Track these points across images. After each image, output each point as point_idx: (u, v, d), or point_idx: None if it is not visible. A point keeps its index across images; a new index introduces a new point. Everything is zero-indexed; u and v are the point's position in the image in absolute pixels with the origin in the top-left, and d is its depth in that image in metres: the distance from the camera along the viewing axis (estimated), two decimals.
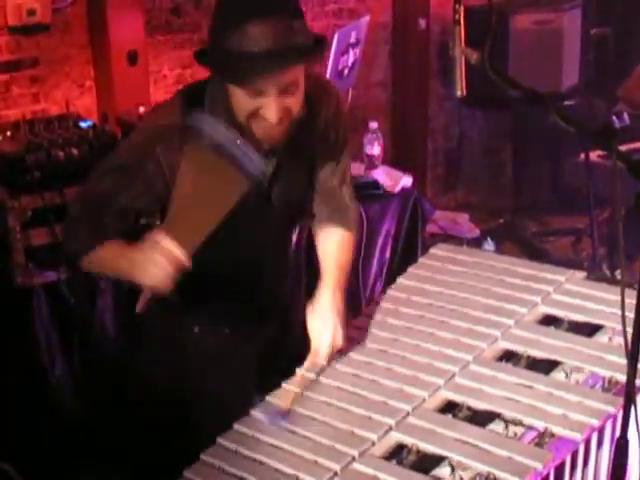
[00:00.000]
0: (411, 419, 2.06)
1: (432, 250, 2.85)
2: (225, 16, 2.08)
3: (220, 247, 2.27)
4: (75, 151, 3.39)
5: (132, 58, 4.30)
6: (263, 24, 2.02)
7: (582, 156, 5.45)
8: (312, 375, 2.26)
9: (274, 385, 2.25)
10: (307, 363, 2.29)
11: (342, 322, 2.31)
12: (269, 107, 2.09)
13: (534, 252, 5.46)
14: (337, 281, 2.38)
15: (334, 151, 2.43)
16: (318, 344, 2.29)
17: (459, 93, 2.19)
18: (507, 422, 2.06)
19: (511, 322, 2.42)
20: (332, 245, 2.47)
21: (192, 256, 2.16)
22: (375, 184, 4.17)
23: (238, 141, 2.19)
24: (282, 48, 2.04)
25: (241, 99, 2.11)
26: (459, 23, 2.16)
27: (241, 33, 2.02)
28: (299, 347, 2.35)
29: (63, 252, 2.39)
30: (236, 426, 2.09)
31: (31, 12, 4.04)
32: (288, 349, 2.48)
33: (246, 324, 2.42)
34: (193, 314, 2.41)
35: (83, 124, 3.60)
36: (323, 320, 2.30)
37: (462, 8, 2.17)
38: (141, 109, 3.92)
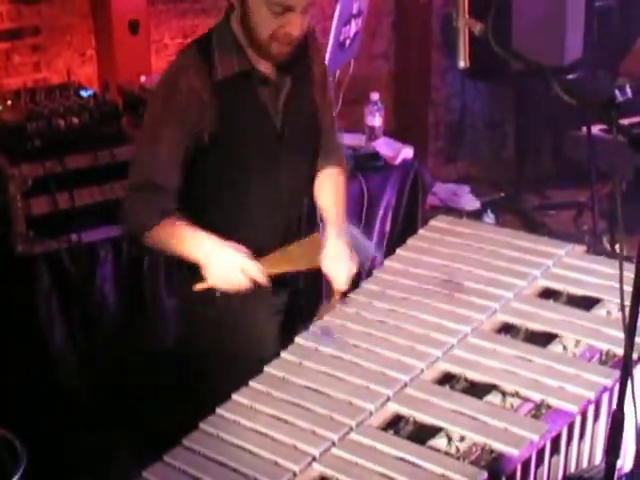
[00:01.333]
0: (409, 390, 2.07)
1: (432, 222, 2.85)
2: None
3: (236, 188, 2.41)
4: (76, 120, 3.38)
5: (133, 27, 4.28)
6: None
7: (584, 130, 5.44)
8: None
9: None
10: (332, 300, 2.49)
11: (351, 253, 2.50)
12: (294, 23, 2.28)
13: (535, 225, 5.46)
14: (339, 219, 2.58)
15: (325, 95, 2.63)
16: (339, 281, 2.47)
17: (462, 64, 2.20)
18: (504, 394, 2.07)
19: (510, 295, 2.43)
20: (329, 185, 2.65)
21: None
22: (376, 155, 4.16)
23: (257, 75, 2.40)
24: None
25: (266, 19, 2.28)
26: None
27: None
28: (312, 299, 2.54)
29: (127, 226, 2.49)
30: (234, 396, 2.10)
31: None
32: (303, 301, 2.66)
33: None
34: None
35: (84, 93, 3.59)
36: (338, 260, 2.47)
37: None
38: (142, 78, 3.91)
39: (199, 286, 2.35)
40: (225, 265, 2.31)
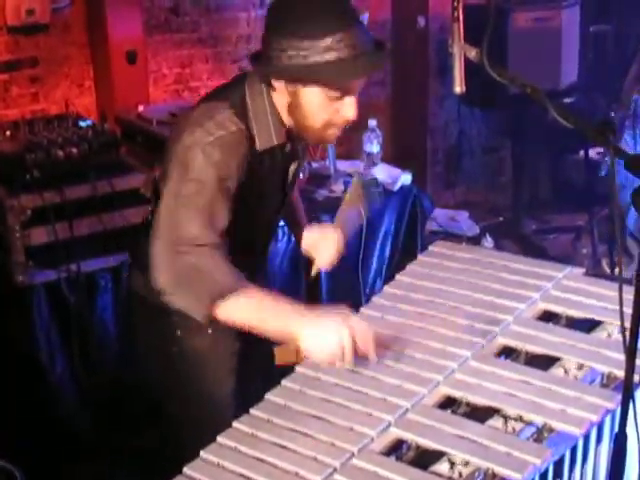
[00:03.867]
0: (410, 415, 2.07)
1: (431, 247, 2.85)
2: (310, 31, 2.15)
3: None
4: (74, 150, 3.40)
5: (131, 57, 4.32)
6: (354, 31, 2.16)
7: (581, 153, 5.46)
8: None
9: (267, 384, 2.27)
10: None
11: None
12: (350, 105, 2.23)
13: (534, 250, 5.47)
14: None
15: None
16: (322, 259, 2.67)
17: (458, 89, 2.20)
18: (506, 418, 2.06)
19: (510, 318, 2.42)
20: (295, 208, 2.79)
21: None
22: (374, 182, 4.17)
23: (287, 148, 2.36)
24: (372, 49, 2.23)
25: (322, 107, 2.23)
26: (458, 20, 2.17)
27: (337, 41, 2.14)
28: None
29: (186, 296, 2.17)
30: (235, 424, 2.09)
31: (30, 12, 4.05)
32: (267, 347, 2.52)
33: None
34: (176, 315, 2.34)
35: (82, 123, 3.62)
36: (321, 239, 2.68)
37: (461, 4, 2.17)
38: (140, 108, 3.94)
39: (282, 360, 2.21)
40: (327, 333, 2.12)
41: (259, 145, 2.29)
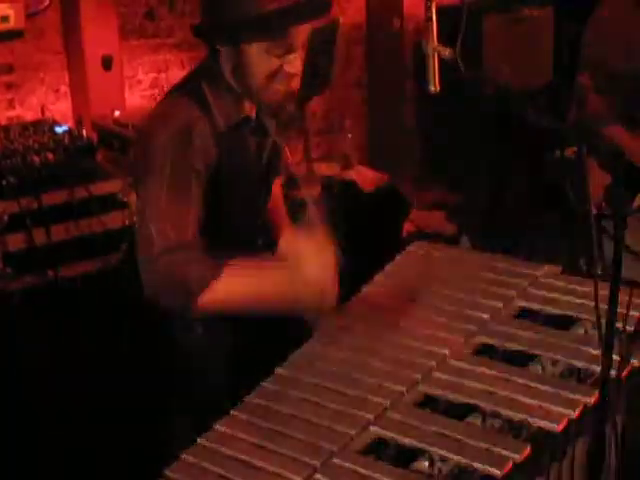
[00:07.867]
0: (390, 414, 2.07)
1: (408, 248, 2.86)
2: None
3: (218, 230, 2.32)
4: (51, 156, 3.40)
5: (107, 63, 4.31)
6: None
7: (557, 153, 5.48)
8: None
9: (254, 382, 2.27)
10: None
11: None
12: (294, 60, 2.24)
13: (512, 249, 5.49)
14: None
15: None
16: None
17: (432, 89, 2.21)
18: (485, 415, 2.07)
19: (487, 316, 2.44)
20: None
21: None
22: (351, 183, 4.18)
23: (252, 122, 2.36)
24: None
25: (262, 61, 2.22)
26: (431, 20, 2.18)
27: None
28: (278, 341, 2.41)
29: (171, 297, 2.15)
30: (216, 426, 2.10)
31: (5, 18, 4.04)
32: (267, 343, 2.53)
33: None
34: (176, 318, 2.37)
35: (58, 129, 3.61)
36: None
37: (434, 4, 2.19)
38: (116, 113, 3.94)
39: None
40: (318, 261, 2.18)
41: (222, 124, 2.28)
